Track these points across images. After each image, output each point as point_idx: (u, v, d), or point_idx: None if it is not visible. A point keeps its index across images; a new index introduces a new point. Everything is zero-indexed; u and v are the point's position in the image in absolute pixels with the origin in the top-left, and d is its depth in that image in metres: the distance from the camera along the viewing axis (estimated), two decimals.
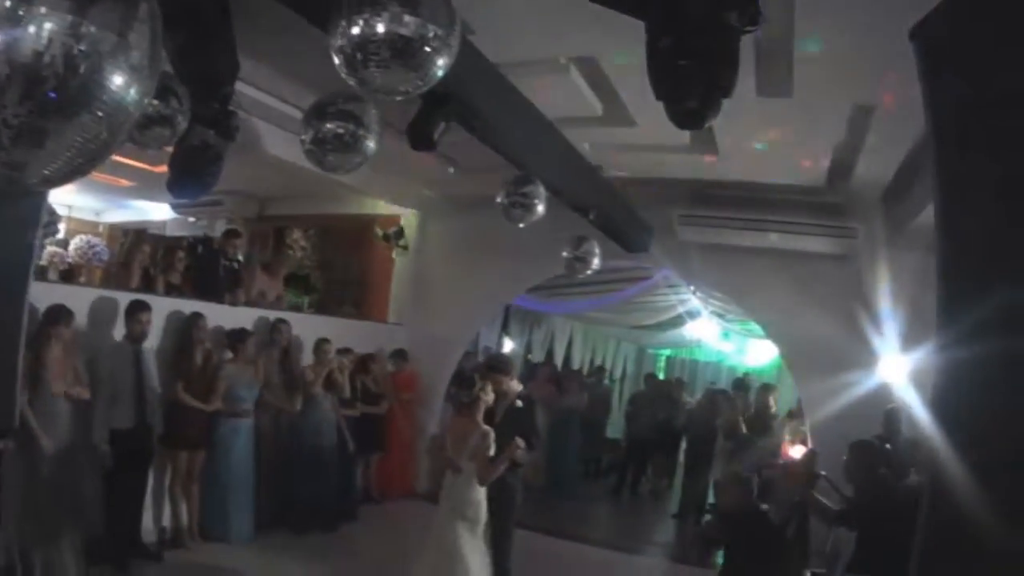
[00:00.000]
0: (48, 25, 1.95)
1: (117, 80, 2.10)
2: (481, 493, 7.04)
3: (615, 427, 18.84)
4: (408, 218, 13.28)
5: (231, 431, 8.99)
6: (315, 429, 10.03)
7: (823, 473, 6.87)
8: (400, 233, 13.09)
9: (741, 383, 14.22)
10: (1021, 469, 2.66)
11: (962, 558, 2.80)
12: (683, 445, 14.82)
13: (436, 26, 3.24)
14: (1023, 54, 2.70)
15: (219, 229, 13.33)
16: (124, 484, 7.89)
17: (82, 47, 2.00)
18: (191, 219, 15.95)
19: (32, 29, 1.93)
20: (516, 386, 7.35)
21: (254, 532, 9.21)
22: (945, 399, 2.87)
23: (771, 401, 10.38)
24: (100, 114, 2.11)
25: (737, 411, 10.42)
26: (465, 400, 7.37)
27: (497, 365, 7.66)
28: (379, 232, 13.28)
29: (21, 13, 1.93)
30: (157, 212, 16.08)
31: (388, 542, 10.08)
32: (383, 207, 13.33)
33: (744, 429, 10.06)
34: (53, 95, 1.99)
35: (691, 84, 3.85)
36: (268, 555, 8.86)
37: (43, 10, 1.94)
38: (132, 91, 2.15)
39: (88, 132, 2.13)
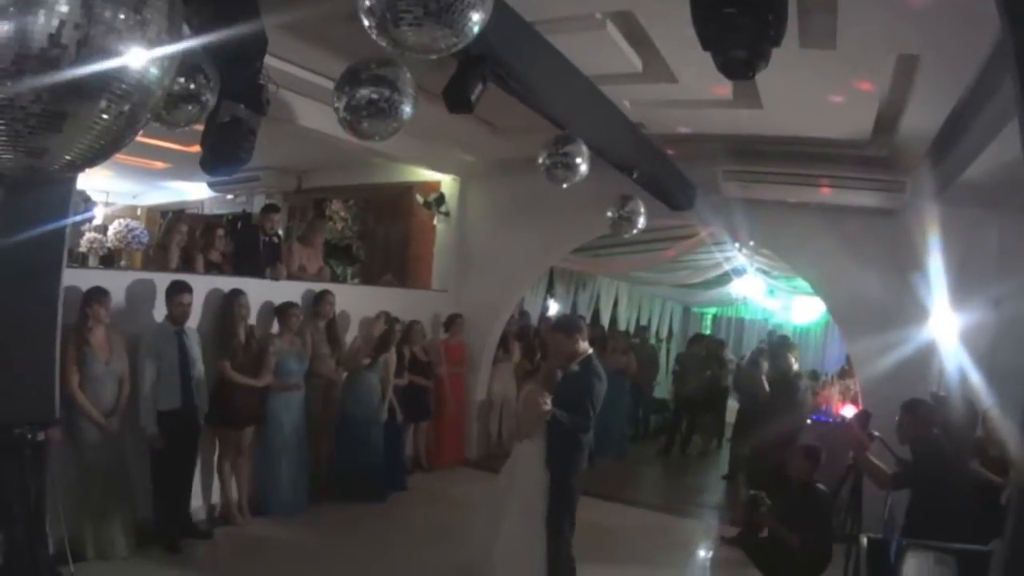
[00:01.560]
0: (60, 7, 1.88)
1: (135, 58, 2.02)
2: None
3: (662, 387, 18.76)
4: (448, 184, 13.18)
5: (283, 405, 9.00)
6: (358, 400, 10.00)
7: (876, 434, 6.72)
8: (441, 199, 13.00)
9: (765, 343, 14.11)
10: None
11: None
12: (731, 405, 14.74)
13: None
14: None
15: (258, 205, 13.32)
16: (172, 465, 7.91)
17: (97, 27, 1.93)
18: (229, 196, 16.00)
19: (44, 12, 1.86)
20: (585, 347, 7.21)
21: (301, 505, 9.22)
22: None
23: (791, 360, 10.19)
24: (119, 94, 2.04)
25: (760, 371, 10.24)
26: (528, 368, 7.34)
27: (562, 326, 7.54)
28: (420, 199, 13.19)
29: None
30: (195, 192, 16.14)
31: (438, 511, 10.09)
32: (423, 174, 13.24)
33: (767, 389, 9.89)
34: (69, 77, 1.91)
35: (740, 32, 3.72)
36: (318, 527, 8.89)
37: None
38: (152, 69, 2.09)
39: (110, 113, 2.06)
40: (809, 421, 10.57)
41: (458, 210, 13.14)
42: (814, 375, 11.08)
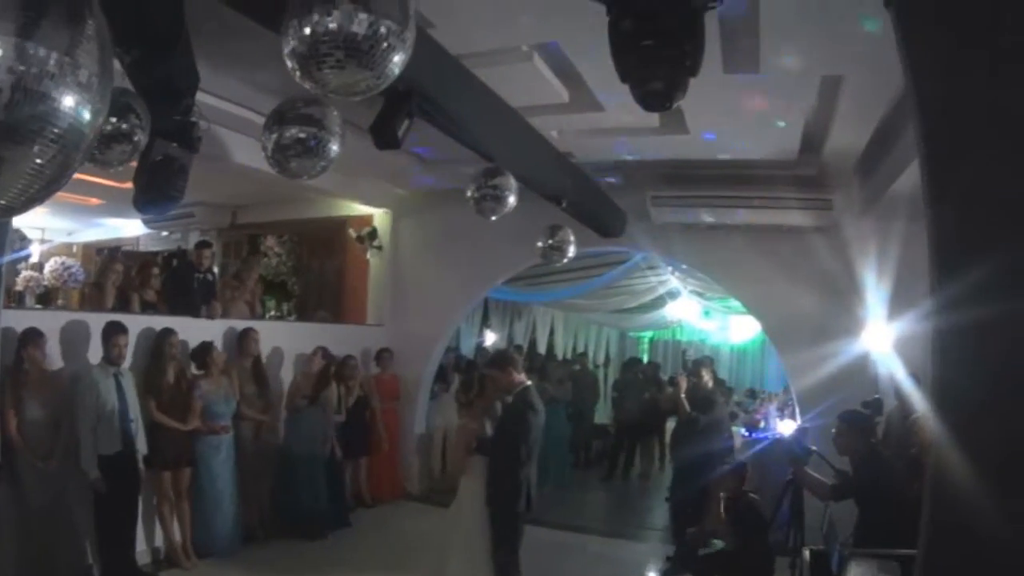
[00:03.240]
0: None
1: (68, 101, 2.02)
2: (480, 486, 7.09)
3: (602, 413, 18.85)
4: (381, 217, 13.19)
5: (211, 448, 8.89)
6: (300, 438, 9.96)
7: (814, 448, 6.84)
8: (373, 233, 13.00)
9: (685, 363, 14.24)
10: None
11: (963, 544, 2.74)
12: (669, 426, 14.87)
13: (390, 21, 3.14)
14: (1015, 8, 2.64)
15: (193, 241, 13.22)
16: (116, 509, 7.78)
17: (28, 70, 1.92)
18: (164, 233, 15.86)
19: None
20: (521, 379, 7.27)
21: (241, 545, 9.17)
22: (942, 365, 2.80)
23: (704, 376, 10.32)
24: (53, 138, 2.03)
25: (678, 390, 10.35)
26: (462, 401, 7.39)
27: (495, 360, 7.64)
28: (353, 233, 13.19)
29: None
30: (130, 228, 15.96)
31: (383, 545, 10.01)
32: (356, 208, 13.22)
33: (687, 407, 10.00)
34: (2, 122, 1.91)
35: (656, 65, 3.80)
36: (265, 567, 8.81)
37: None
38: (85, 111, 2.07)
39: (43, 157, 2.05)
40: (742, 438, 10.71)
41: (391, 243, 13.12)
42: (751, 393, 11.21)
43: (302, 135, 4.74)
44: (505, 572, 7.12)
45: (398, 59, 3.24)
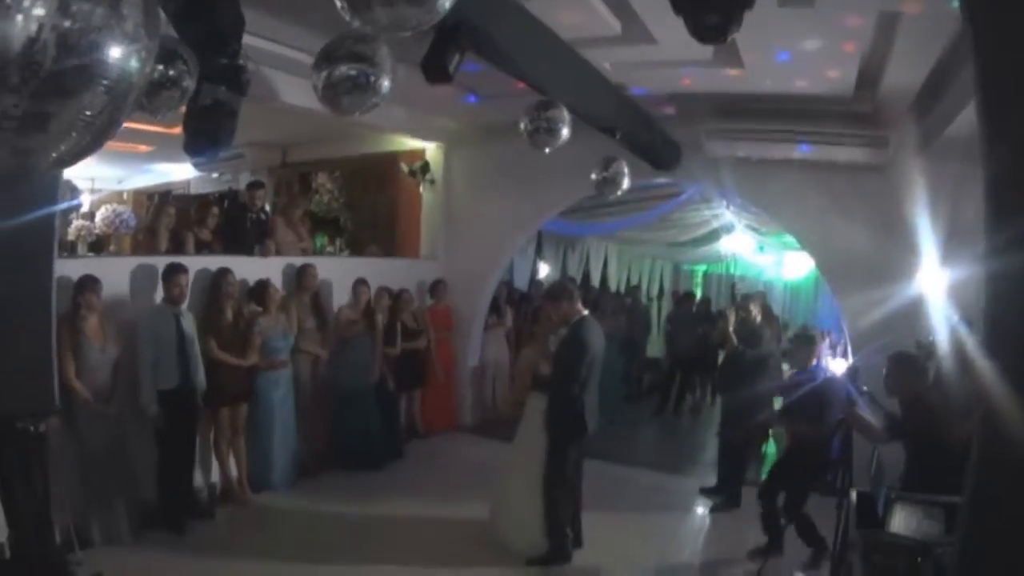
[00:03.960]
0: (36, 11, 1.87)
1: (114, 52, 2.03)
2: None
3: (655, 346, 18.83)
4: (433, 151, 13.18)
5: (270, 383, 9.03)
6: (355, 370, 10.07)
7: (865, 389, 6.78)
8: (426, 167, 13.00)
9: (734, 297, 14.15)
10: None
11: (1013, 483, 2.72)
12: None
13: None
14: None
15: (244, 182, 13.31)
16: (174, 445, 7.99)
17: (73, 25, 1.93)
18: (215, 175, 15.95)
19: (20, 17, 1.86)
20: (579, 309, 7.34)
21: (297, 478, 9.38)
22: (995, 307, 2.77)
23: (753, 310, 10.22)
24: (101, 89, 2.05)
25: (727, 324, 10.27)
26: (528, 332, 7.49)
27: (552, 292, 7.69)
28: (405, 168, 13.19)
29: (7, 3, 1.85)
30: (180, 172, 16.08)
31: (435, 476, 10.21)
32: (407, 143, 13.22)
33: (735, 341, 9.92)
34: (50, 77, 1.93)
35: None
36: (320, 497, 8.98)
37: None
38: (132, 61, 2.08)
39: (92, 109, 2.07)
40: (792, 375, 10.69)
41: (443, 177, 13.12)
42: (804, 330, 11.11)
43: (352, 72, 4.74)
44: (555, 506, 7.24)
45: None
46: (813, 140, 9.44)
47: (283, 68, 8.31)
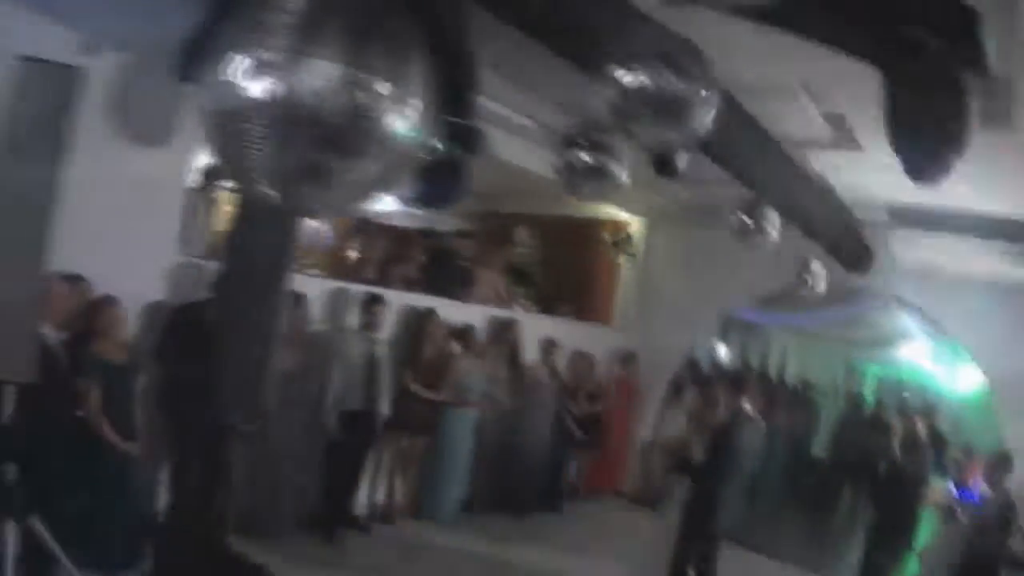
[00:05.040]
0: (328, 70, 2.14)
1: (398, 122, 2.28)
2: None
3: (819, 445, 18.49)
4: (636, 223, 13.44)
5: (456, 420, 9.44)
6: (536, 423, 10.48)
7: None
8: (629, 240, 13.28)
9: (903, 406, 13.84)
10: None
11: None
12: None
13: (698, 86, 3.35)
14: None
15: (443, 221, 13.75)
16: (346, 462, 8.44)
17: (362, 90, 2.18)
18: (418, 212, 16.43)
19: (312, 74, 2.13)
20: (742, 401, 7.47)
21: (460, 515, 9.70)
22: None
23: (920, 424, 9.97)
24: (382, 154, 2.30)
25: (892, 435, 10.06)
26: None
27: (735, 381, 7.86)
28: (608, 237, 13.49)
29: (300, 62, 2.14)
30: (382, 201, 16.56)
31: (585, 534, 10.52)
32: (610, 211, 13.49)
33: (897, 454, 9.71)
34: (334, 138, 2.20)
35: (928, 143, 3.87)
36: (471, 536, 9.32)
37: (320, 59, 2.15)
38: (412, 132, 2.33)
39: (370, 171, 2.33)
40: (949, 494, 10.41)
41: (644, 251, 13.38)
42: (967, 447, 10.87)
43: (595, 162, 5.01)
44: None
45: (706, 119, 3.46)
46: (1008, 259, 9.29)
47: (501, 125, 8.60)
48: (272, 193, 2.33)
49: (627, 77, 3.42)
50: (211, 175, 8.03)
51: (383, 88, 2.23)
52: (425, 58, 2.39)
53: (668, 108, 3.40)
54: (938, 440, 12.49)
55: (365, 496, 9.15)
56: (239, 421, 5.98)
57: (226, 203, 8.12)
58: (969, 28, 3.82)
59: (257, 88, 2.15)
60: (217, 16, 4.04)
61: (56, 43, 5.26)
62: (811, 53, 5.81)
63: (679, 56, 3.43)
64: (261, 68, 2.16)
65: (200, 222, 7.99)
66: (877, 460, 13.31)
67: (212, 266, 6.83)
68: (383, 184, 2.46)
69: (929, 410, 11.28)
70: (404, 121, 2.29)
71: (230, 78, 2.19)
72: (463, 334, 9.67)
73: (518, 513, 10.17)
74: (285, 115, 2.15)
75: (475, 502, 10.03)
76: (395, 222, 16.69)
